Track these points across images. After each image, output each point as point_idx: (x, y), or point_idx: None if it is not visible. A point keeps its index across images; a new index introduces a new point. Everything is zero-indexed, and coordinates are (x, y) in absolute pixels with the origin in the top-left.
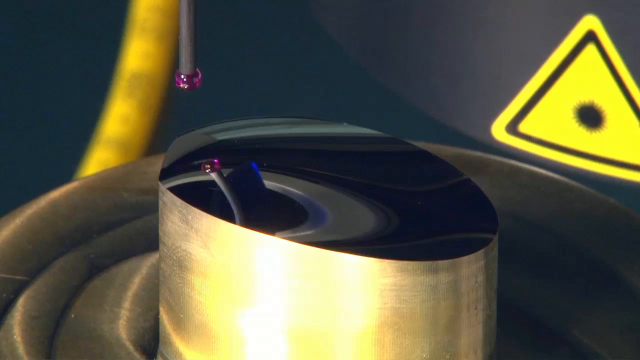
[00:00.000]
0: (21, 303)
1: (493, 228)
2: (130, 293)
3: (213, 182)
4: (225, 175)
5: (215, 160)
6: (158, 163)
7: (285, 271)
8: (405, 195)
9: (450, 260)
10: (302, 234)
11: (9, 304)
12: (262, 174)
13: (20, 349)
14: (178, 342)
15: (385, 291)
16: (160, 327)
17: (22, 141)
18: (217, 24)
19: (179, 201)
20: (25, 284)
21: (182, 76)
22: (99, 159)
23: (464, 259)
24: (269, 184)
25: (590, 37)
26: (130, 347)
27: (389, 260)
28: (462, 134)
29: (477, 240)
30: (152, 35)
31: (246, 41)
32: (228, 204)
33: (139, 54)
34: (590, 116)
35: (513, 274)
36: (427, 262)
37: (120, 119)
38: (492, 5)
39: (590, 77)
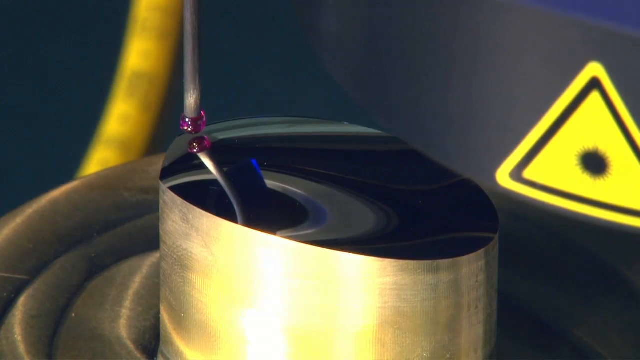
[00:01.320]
0: (22, 302)
1: (494, 227)
2: (130, 292)
3: (214, 181)
4: (225, 174)
5: (205, 137)
6: (159, 162)
7: (286, 270)
8: (406, 194)
9: (450, 260)
10: (302, 233)
11: (10, 303)
12: (262, 173)
13: (21, 348)
14: (179, 341)
15: (385, 290)
16: (160, 326)
17: (22, 141)
18: (219, 23)
19: (179, 200)
20: (25, 283)
21: (187, 119)
22: (99, 159)
23: (465, 258)
24: (270, 183)
25: (594, 84)
26: (131, 346)
27: (389, 260)
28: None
29: (477, 239)
30: (152, 34)
31: (247, 40)
32: (229, 203)
33: (139, 53)
34: (594, 163)
35: (513, 273)
36: (428, 261)
37: (121, 118)
38: (497, 52)
39: (594, 124)
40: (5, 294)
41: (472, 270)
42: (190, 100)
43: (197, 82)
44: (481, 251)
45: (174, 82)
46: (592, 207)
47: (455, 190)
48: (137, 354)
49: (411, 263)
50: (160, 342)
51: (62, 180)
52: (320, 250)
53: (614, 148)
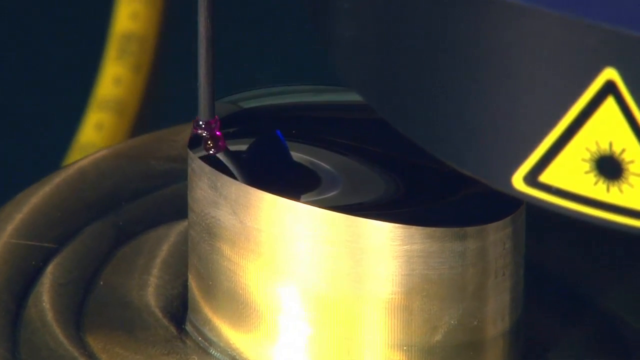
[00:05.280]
0: (50, 270)
1: None
2: (158, 260)
3: (241, 150)
4: (252, 143)
5: (219, 134)
6: (186, 131)
7: (314, 237)
8: (433, 161)
9: (478, 227)
10: (330, 200)
11: (38, 272)
12: (289, 141)
13: (50, 315)
14: (207, 309)
15: (413, 257)
16: (189, 294)
17: (17, 106)
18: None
19: (207, 168)
20: (54, 251)
21: (201, 123)
22: (95, 121)
23: (492, 225)
24: (296, 151)
25: (610, 89)
26: (159, 314)
27: (417, 227)
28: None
29: (505, 207)
30: None
31: (248, 37)
32: (256, 171)
33: (128, 15)
34: (609, 167)
35: (541, 241)
36: (455, 229)
37: (114, 80)
38: (513, 57)
39: (610, 129)
40: (33, 262)
41: (499, 237)
42: (204, 103)
43: (211, 85)
44: (508, 218)
45: (163, 44)
46: (607, 212)
47: None
48: (165, 322)
49: (438, 230)
50: (188, 310)
51: (59, 144)
52: (347, 218)
53: (630, 152)
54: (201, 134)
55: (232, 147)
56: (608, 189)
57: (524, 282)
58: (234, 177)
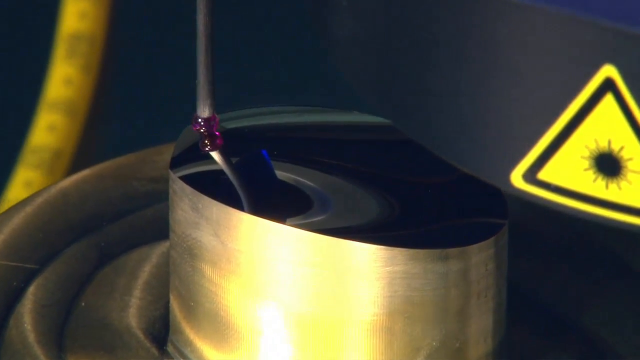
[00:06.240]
0: (32, 291)
1: (503, 216)
2: (140, 281)
3: (223, 171)
4: (235, 164)
5: (217, 133)
6: (168, 152)
7: (296, 259)
8: (415, 183)
9: (460, 248)
10: (312, 221)
11: (20, 293)
12: (272, 162)
13: (31, 337)
14: (188, 330)
15: (395, 279)
16: (170, 315)
17: None
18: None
19: (189, 189)
20: (35, 272)
21: (200, 120)
22: (46, 122)
23: (474, 246)
24: (279, 172)
25: (608, 86)
26: (141, 336)
27: (399, 249)
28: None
29: (487, 228)
30: None
31: (247, 37)
32: (238, 192)
33: (76, 15)
34: (608, 164)
35: (523, 262)
36: (437, 250)
37: (64, 81)
38: (511, 54)
39: (608, 126)
40: (15, 283)
41: (481, 258)
42: (203, 100)
43: (210, 82)
44: (490, 240)
45: (113, 42)
46: (606, 209)
47: (464, 179)
48: (147, 343)
49: (421, 252)
50: (170, 331)
51: (10, 146)
52: (330, 239)
53: (628, 150)
54: (199, 131)
55: (215, 167)
56: (607, 187)
57: (506, 303)
58: (215, 198)
